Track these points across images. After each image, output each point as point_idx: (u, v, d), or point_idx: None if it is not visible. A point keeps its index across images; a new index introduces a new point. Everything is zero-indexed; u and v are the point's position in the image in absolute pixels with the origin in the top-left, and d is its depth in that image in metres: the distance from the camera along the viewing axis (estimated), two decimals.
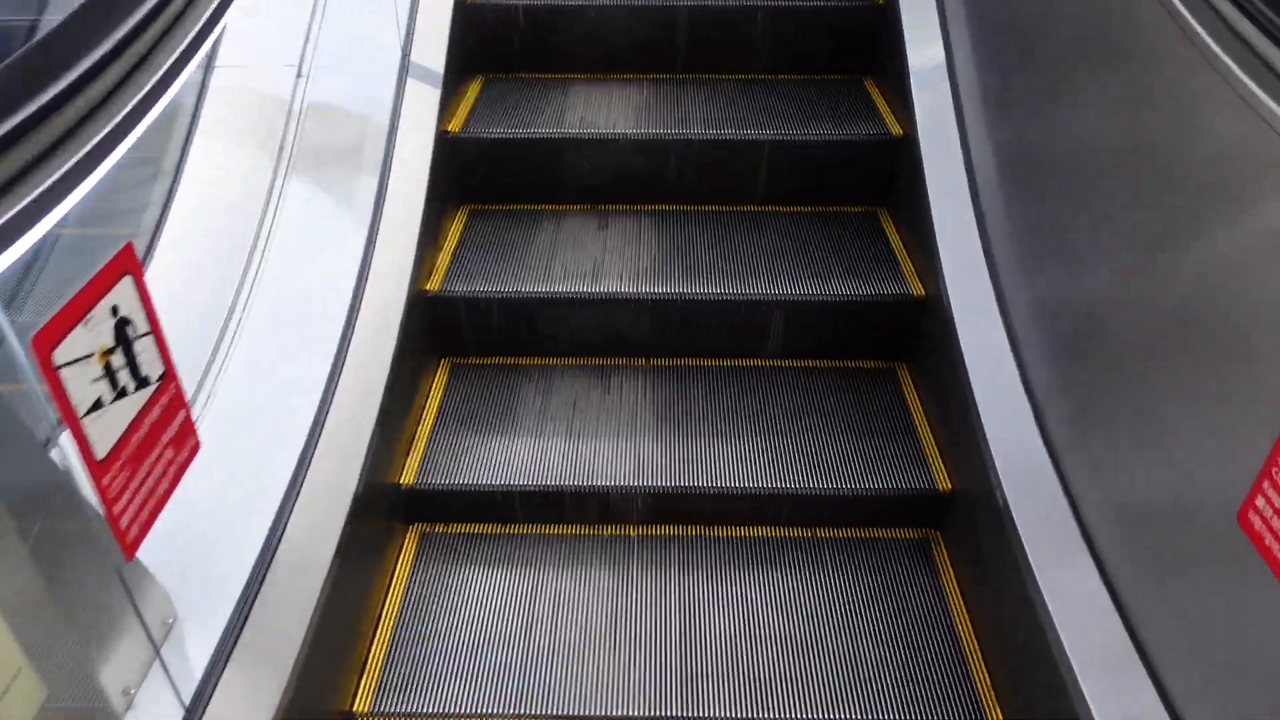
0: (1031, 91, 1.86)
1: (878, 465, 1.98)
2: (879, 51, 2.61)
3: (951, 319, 1.95)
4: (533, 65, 2.72)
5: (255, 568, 1.42)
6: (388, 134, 2.14)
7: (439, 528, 2.00)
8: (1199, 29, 1.28)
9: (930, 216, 2.09)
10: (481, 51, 2.69)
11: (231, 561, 1.41)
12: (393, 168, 2.09)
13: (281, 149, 1.96)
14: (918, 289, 2.16)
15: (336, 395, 1.77)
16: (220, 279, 1.79)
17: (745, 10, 2.60)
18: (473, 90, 2.64)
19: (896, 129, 2.38)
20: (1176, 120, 1.35)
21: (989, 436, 1.74)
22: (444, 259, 2.29)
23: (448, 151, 2.37)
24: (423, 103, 2.24)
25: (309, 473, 1.60)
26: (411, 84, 2.23)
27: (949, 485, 1.91)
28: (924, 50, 2.32)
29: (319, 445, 1.66)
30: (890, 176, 2.42)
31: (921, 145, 2.19)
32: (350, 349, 1.86)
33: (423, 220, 2.11)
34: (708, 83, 2.68)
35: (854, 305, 2.17)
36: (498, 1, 2.60)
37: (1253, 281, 1.14)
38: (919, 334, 2.17)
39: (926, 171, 2.16)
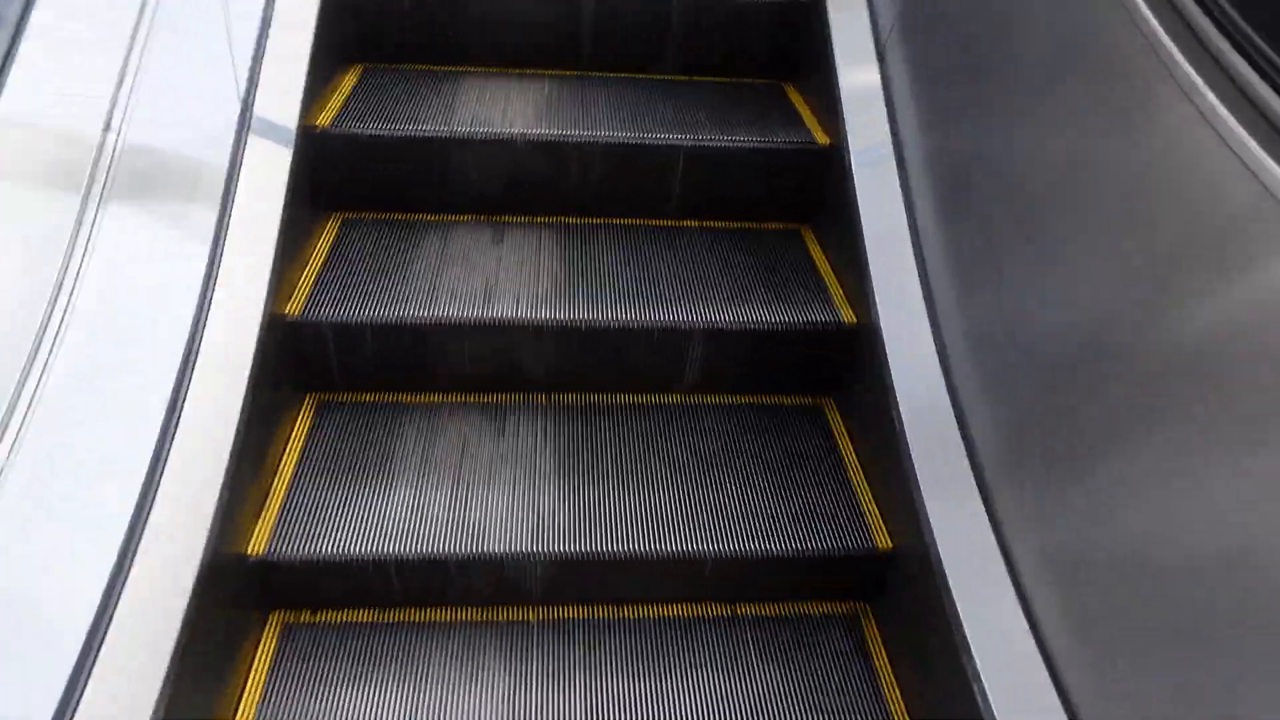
0: (974, 100, 1.67)
1: (807, 521, 1.75)
2: (803, 54, 2.40)
3: (883, 351, 1.74)
4: (420, 55, 2.40)
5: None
6: (236, 129, 1.79)
7: (304, 616, 1.67)
8: (1163, 37, 1.15)
9: (861, 236, 1.88)
10: (360, 37, 2.35)
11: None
12: (242, 170, 1.75)
13: (95, 171, 1.59)
14: (848, 316, 1.94)
15: (172, 450, 1.43)
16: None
17: (658, 2, 2.34)
18: (348, 81, 2.30)
19: (823, 138, 2.17)
20: (1126, 139, 1.20)
21: (923, 491, 1.55)
22: (308, 277, 1.95)
23: (315, 150, 2.03)
24: (282, 92, 1.90)
25: (136, 557, 1.27)
26: (269, 70, 1.89)
27: (889, 544, 1.70)
28: (854, 53, 2.11)
29: (149, 518, 1.33)
30: (817, 190, 2.20)
31: (851, 155, 1.98)
32: (189, 389, 1.52)
33: (280, 231, 1.77)
34: (617, 82, 2.41)
35: (780, 333, 1.94)
36: None
37: (1193, 313, 1.04)
38: (850, 365, 1.95)
39: (857, 184, 1.95)
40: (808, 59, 2.36)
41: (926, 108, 1.86)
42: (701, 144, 2.13)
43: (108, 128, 1.60)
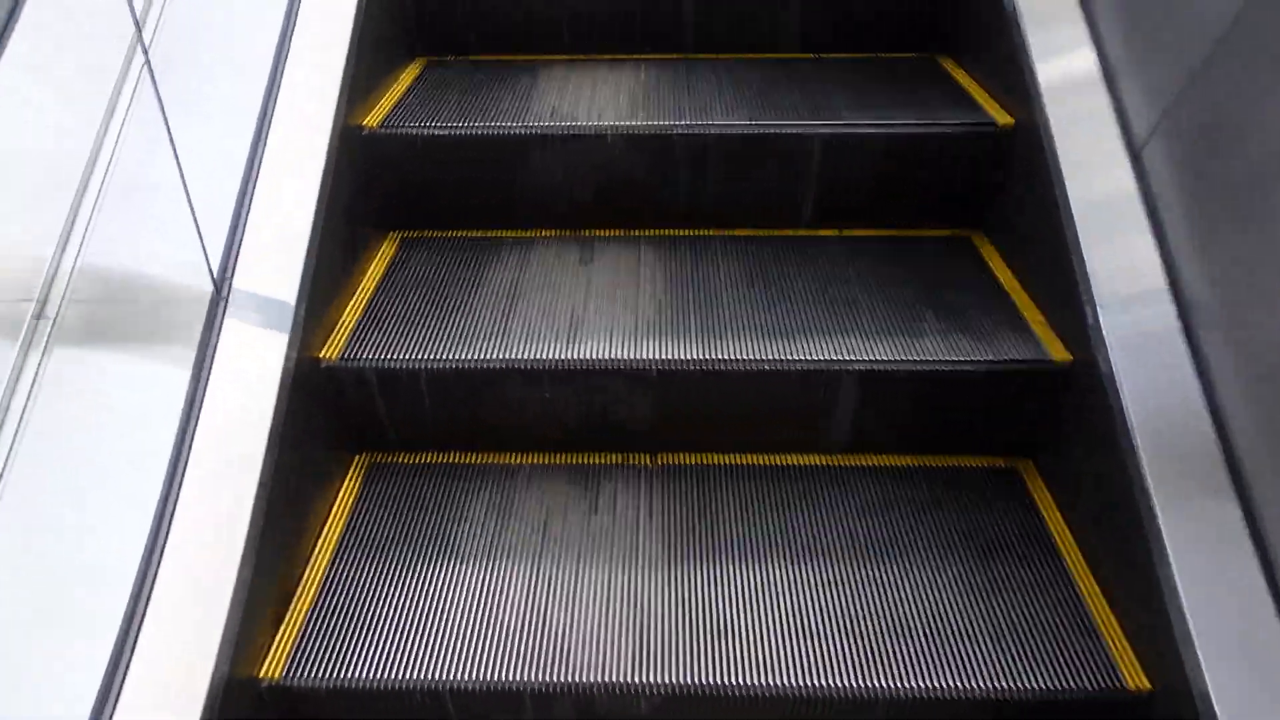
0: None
1: (1015, 643, 1.25)
2: (964, 17, 1.91)
3: (1117, 400, 1.24)
4: (491, 44, 2.02)
5: None
6: (258, 129, 1.42)
7: None
8: None
9: (1073, 241, 1.38)
10: (420, 25, 1.98)
11: None
12: (259, 179, 1.38)
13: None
14: (1057, 352, 1.44)
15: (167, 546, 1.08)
16: None
17: None
18: (407, 76, 1.93)
19: (1002, 116, 1.67)
20: None
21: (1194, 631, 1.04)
22: (354, 310, 1.57)
23: (362, 155, 1.66)
24: (315, 85, 1.53)
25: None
26: (297, 64, 1.52)
27: (1144, 685, 1.18)
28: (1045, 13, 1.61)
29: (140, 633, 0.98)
30: (994, 183, 1.70)
31: (1052, 127, 1.48)
32: (191, 456, 1.16)
33: (315, 256, 1.40)
34: (729, 64, 1.97)
35: (963, 376, 1.45)
36: None
37: None
38: (1057, 419, 1.45)
39: (1063, 169, 1.45)
40: (971, 23, 1.87)
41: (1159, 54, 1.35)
42: (843, 130, 1.67)
43: None
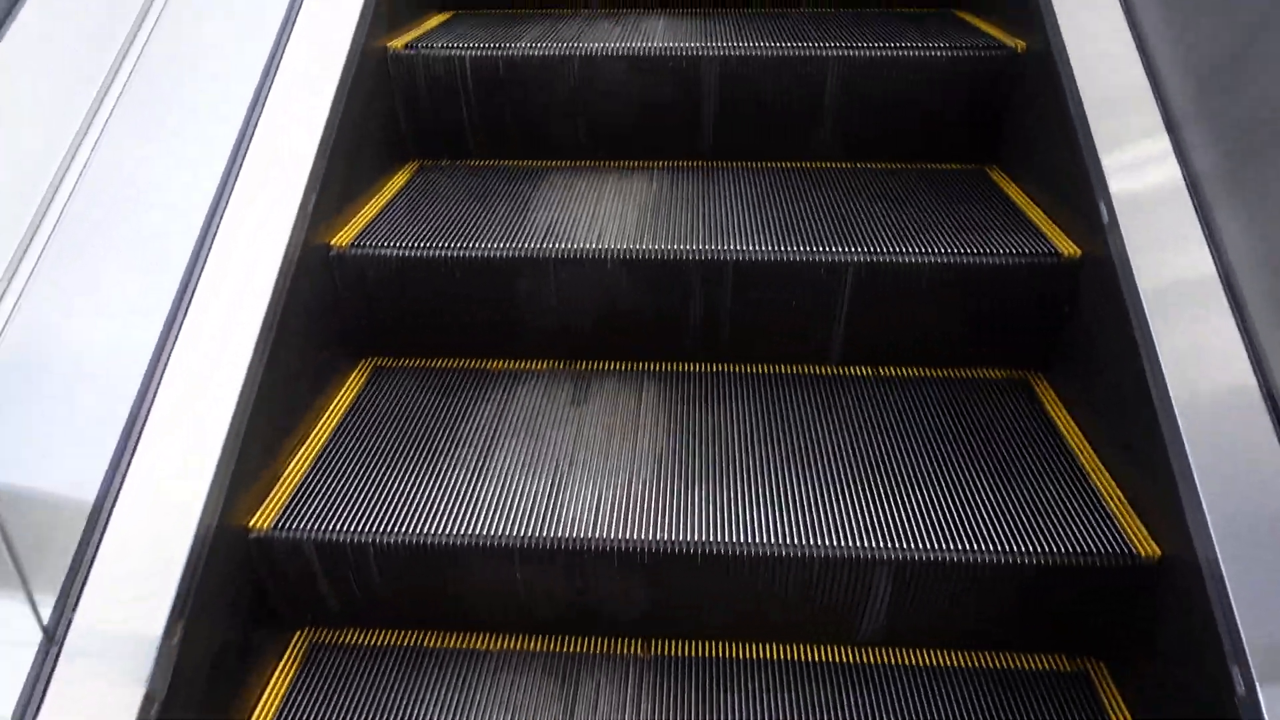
0: None
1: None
2: (1013, 124, 1.69)
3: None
4: (490, 149, 1.83)
5: None
6: (194, 258, 1.23)
7: None
8: None
9: (1160, 411, 1.12)
10: (416, 129, 1.81)
11: None
12: (183, 327, 1.17)
13: None
14: (1145, 547, 1.16)
15: None
16: None
17: (810, 63, 1.70)
18: (395, 182, 1.75)
19: (1069, 248, 1.43)
20: None
21: None
22: (303, 459, 1.35)
23: (329, 277, 1.46)
24: (270, 207, 1.34)
25: None
26: (243, 190, 1.33)
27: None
28: (1120, 138, 1.38)
29: None
30: (1054, 325, 1.45)
31: (1134, 268, 1.23)
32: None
33: (257, 387, 1.19)
34: (752, 173, 1.77)
35: (1037, 568, 1.18)
36: (433, 53, 1.73)
37: None
38: (1144, 619, 1.16)
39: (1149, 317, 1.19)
40: (1019, 132, 1.65)
41: None
42: (882, 259, 1.43)
43: None
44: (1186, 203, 1.24)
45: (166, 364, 1.14)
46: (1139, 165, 1.32)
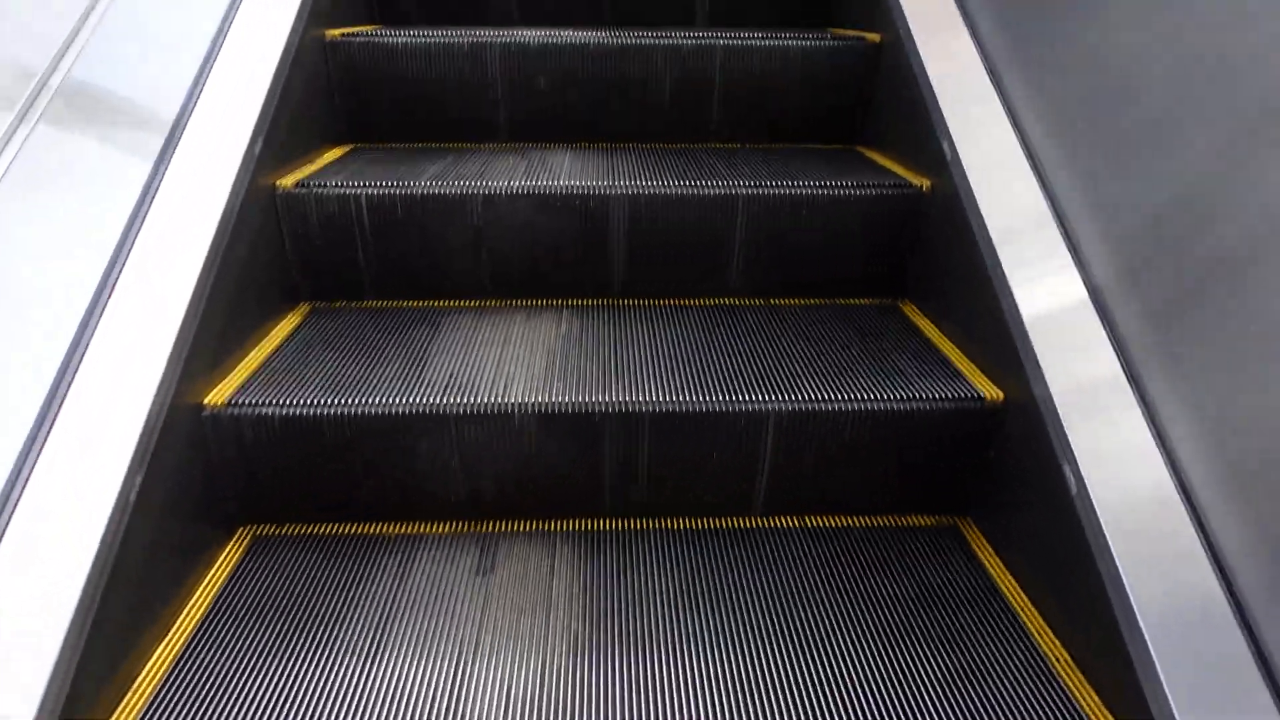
0: None
1: None
2: (926, 266, 1.68)
3: None
4: (387, 289, 1.73)
5: None
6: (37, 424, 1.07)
7: None
8: None
9: (1096, 553, 1.06)
10: (308, 270, 1.70)
11: None
12: (19, 502, 1.01)
13: None
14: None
15: None
16: None
17: (720, 202, 1.67)
18: (283, 328, 1.62)
19: (993, 393, 1.39)
20: None
21: None
22: (167, 653, 1.16)
23: (201, 440, 1.31)
24: (133, 364, 1.19)
25: None
26: (104, 344, 1.19)
27: None
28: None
29: None
30: (981, 467, 1.40)
31: (1060, 414, 1.19)
32: None
33: (109, 569, 1.02)
34: (665, 312, 1.71)
35: None
36: (325, 192, 1.64)
37: None
38: None
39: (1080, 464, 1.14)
40: (928, 268, 1.64)
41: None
42: (804, 406, 1.37)
43: None
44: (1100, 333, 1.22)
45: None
46: (1049, 297, 1.31)
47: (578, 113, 2.01)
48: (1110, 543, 1.07)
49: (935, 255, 1.65)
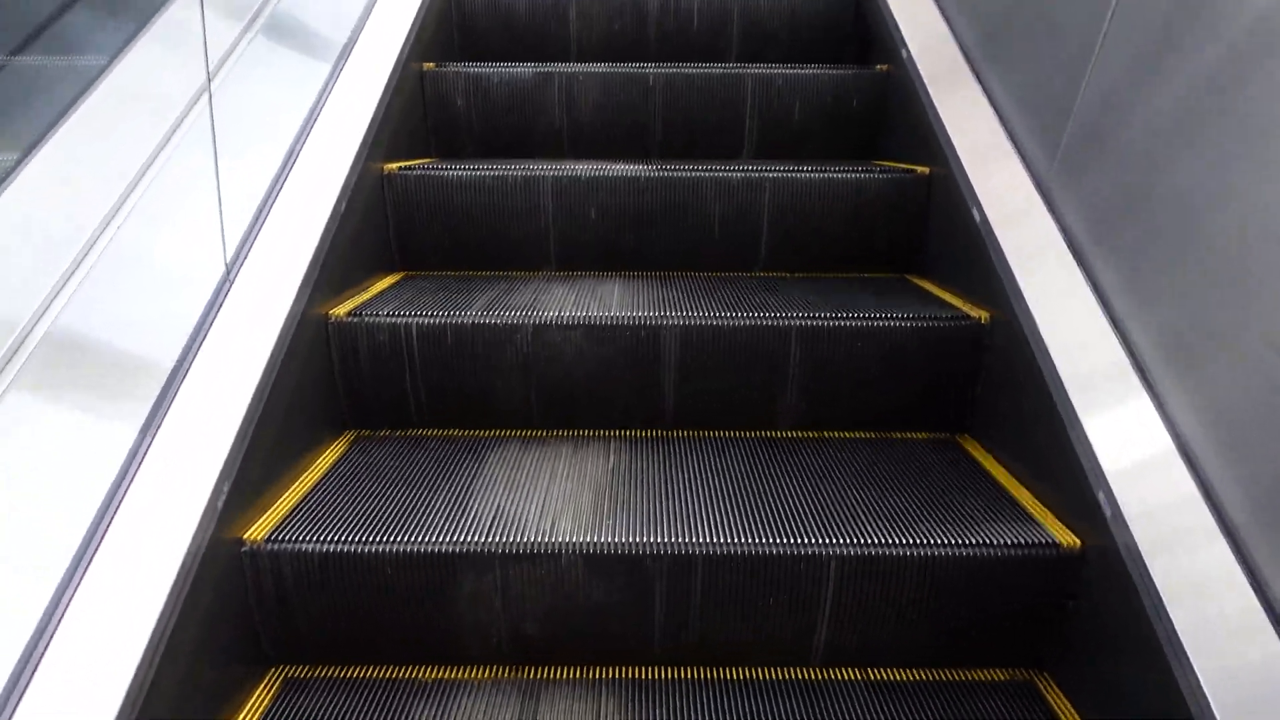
0: None
1: None
2: (985, 398, 1.63)
3: None
4: (434, 418, 1.71)
5: None
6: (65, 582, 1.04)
7: None
8: None
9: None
10: (355, 399, 1.69)
11: None
12: (43, 657, 0.97)
13: None
14: None
15: None
16: None
17: (771, 334, 1.64)
18: (328, 458, 1.60)
19: (1068, 539, 1.31)
20: None
21: None
22: None
23: (239, 576, 1.27)
24: (174, 502, 1.17)
25: None
26: (151, 479, 1.17)
27: None
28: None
29: None
30: (1059, 619, 1.31)
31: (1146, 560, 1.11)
32: None
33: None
34: (716, 444, 1.66)
35: None
36: (377, 321, 1.64)
37: None
38: None
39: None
40: (991, 403, 1.58)
41: None
42: (866, 550, 1.30)
43: None
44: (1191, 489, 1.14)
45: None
46: (1131, 445, 1.24)
47: (628, 243, 2.03)
48: (1211, 700, 0.97)
49: (997, 389, 1.60)
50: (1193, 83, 1.23)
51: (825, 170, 1.99)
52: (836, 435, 1.70)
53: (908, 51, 2.18)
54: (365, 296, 1.79)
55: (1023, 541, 1.30)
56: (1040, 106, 1.64)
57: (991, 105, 1.82)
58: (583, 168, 1.99)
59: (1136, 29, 1.38)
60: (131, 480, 1.14)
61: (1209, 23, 1.22)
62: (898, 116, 2.29)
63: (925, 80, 2.04)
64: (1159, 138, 1.30)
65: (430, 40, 2.46)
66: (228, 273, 1.43)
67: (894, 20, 2.30)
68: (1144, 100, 1.33)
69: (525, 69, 2.36)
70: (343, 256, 1.71)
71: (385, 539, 1.31)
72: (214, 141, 1.49)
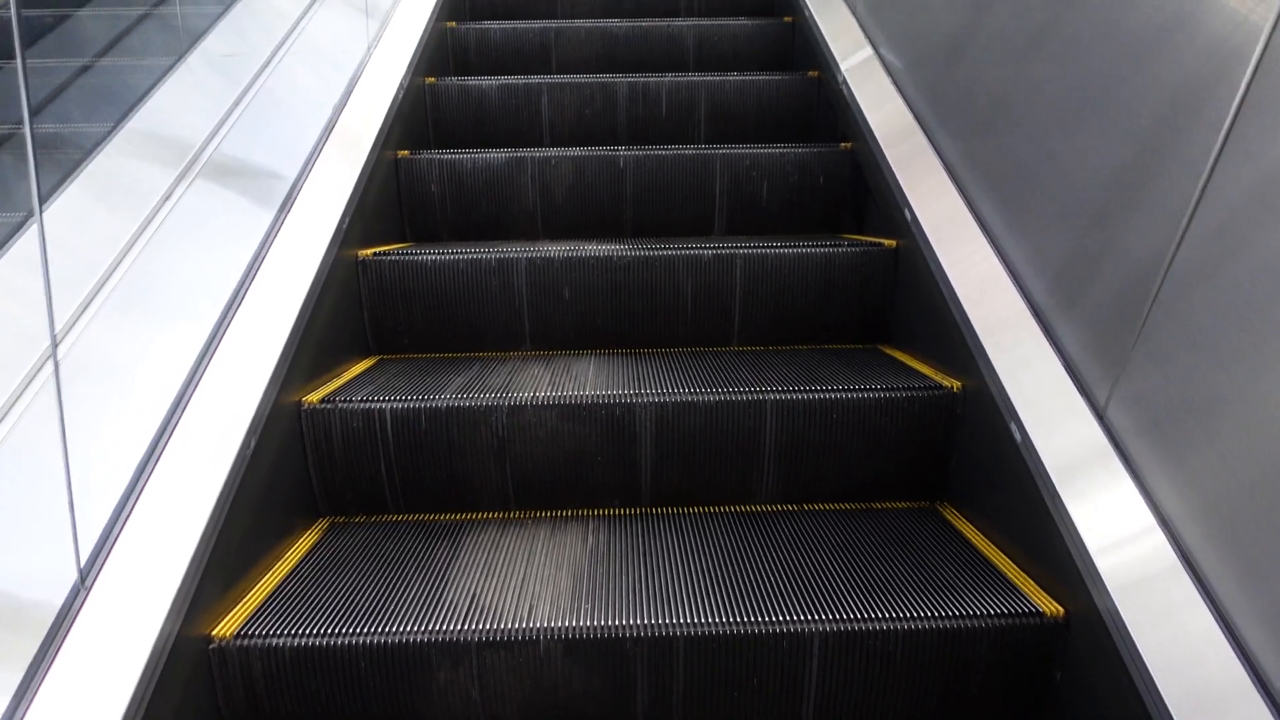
0: None
1: None
2: (965, 462, 1.63)
3: None
4: (409, 503, 1.69)
5: None
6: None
7: None
8: None
9: None
10: (329, 486, 1.67)
11: None
12: None
13: None
14: None
15: None
16: None
17: (748, 409, 1.65)
18: (300, 547, 1.56)
19: (1052, 608, 1.30)
20: None
21: None
22: None
23: (207, 677, 1.23)
24: (138, 602, 1.14)
25: None
26: (112, 582, 1.14)
27: None
28: None
29: None
30: (1046, 687, 1.28)
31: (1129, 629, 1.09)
32: None
33: None
34: (695, 520, 1.64)
35: None
36: (351, 407, 1.63)
37: None
38: None
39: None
40: (968, 472, 1.59)
41: None
42: (849, 626, 1.28)
43: None
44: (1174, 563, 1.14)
45: None
46: (1107, 512, 1.24)
47: (603, 322, 2.04)
48: None
49: (974, 458, 1.60)
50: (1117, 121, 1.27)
51: (795, 245, 2.03)
52: (816, 507, 1.69)
53: (869, 129, 2.24)
54: (339, 382, 1.78)
55: (1006, 611, 1.29)
56: (1000, 178, 1.69)
57: (952, 179, 1.87)
58: (556, 249, 2.02)
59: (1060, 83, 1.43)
60: (97, 576, 1.11)
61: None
62: (864, 192, 2.34)
63: (888, 156, 2.10)
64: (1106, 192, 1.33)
65: (404, 130, 2.52)
66: (197, 366, 1.42)
67: (856, 101, 2.37)
68: (1079, 157, 1.38)
69: (499, 154, 2.40)
70: (316, 343, 1.71)
71: (358, 630, 1.28)
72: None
